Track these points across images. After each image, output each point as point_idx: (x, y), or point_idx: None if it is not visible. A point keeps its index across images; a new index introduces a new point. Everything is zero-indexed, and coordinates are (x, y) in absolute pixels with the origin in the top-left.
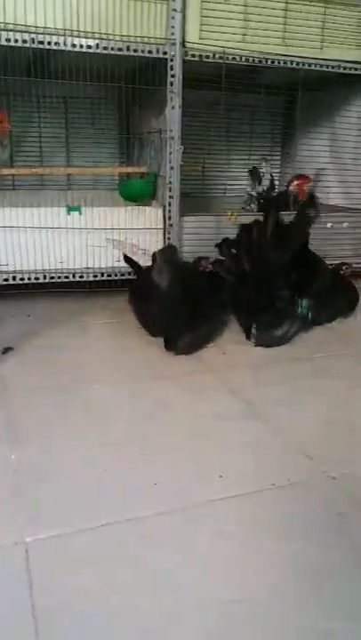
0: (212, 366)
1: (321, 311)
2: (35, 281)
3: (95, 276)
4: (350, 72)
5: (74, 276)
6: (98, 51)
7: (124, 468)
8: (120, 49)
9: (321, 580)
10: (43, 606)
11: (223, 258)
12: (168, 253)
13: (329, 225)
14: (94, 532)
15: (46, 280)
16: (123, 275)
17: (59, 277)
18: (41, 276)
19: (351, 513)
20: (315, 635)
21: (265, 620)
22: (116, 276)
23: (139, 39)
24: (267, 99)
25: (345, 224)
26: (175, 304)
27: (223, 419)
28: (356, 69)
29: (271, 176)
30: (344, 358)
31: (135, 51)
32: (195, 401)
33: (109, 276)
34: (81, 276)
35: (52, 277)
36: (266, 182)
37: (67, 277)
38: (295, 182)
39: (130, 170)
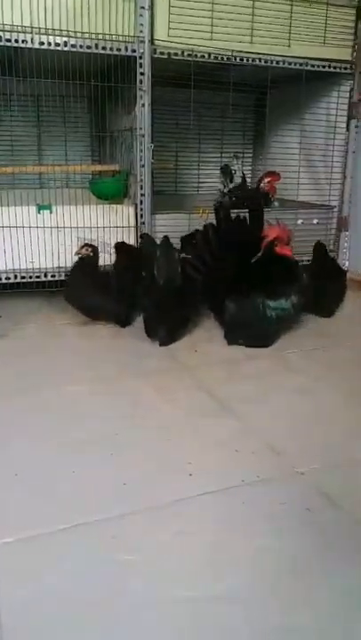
0: (185, 364)
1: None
2: (5, 281)
3: (67, 276)
4: (318, 69)
5: (45, 276)
6: (66, 48)
7: (94, 468)
8: (89, 47)
9: (291, 576)
10: (6, 609)
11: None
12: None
13: (299, 222)
14: (63, 533)
15: (17, 280)
16: None
17: (30, 277)
18: (11, 276)
19: (319, 509)
20: (285, 632)
21: (237, 617)
22: None
23: (107, 37)
24: (237, 96)
25: (315, 221)
26: (170, 300)
27: (194, 416)
28: (323, 67)
29: (242, 173)
30: (316, 353)
31: (104, 48)
32: (166, 399)
33: None
34: (52, 276)
35: (23, 277)
36: (237, 179)
37: (37, 277)
38: (266, 179)
39: (101, 168)
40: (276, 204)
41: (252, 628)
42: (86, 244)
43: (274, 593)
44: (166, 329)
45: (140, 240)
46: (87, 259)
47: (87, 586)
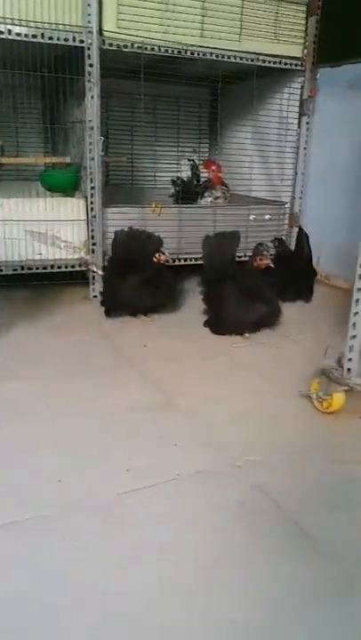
0: (133, 359)
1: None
2: None
3: (15, 270)
4: (269, 65)
5: None
6: (10, 37)
7: (31, 465)
8: (34, 36)
9: (219, 569)
10: None
11: None
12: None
13: (252, 217)
14: None
15: None
16: (45, 268)
17: None
18: None
19: (251, 501)
20: (205, 625)
21: (154, 612)
22: (37, 269)
23: (54, 26)
24: (192, 90)
25: (267, 216)
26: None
27: (138, 411)
28: (274, 63)
29: (194, 163)
30: (264, 347)
31: (50, 38)
32: (111, 395)
33: (30, 269)
34: (0, 270)
35: None
36: (186, 173)
37: None
38: (212, 167)
39: (52, 160)
40: (216, 192)
41: (172, 623)
42: None
43: (201, 586)
44: None
45: None
46: None
47: (7, 584)
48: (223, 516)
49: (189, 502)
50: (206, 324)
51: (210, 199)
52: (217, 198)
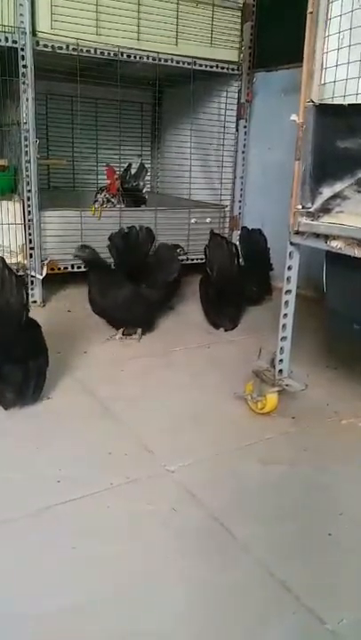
0: (70, 365)
1: None
2: None
3: None
4: (206, 69)
5: None
6: None
7: None
8: None
9: (145, 580)
10: None
11: None
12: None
13: (193, 220)
14: None
15: None
16: None
17: None
18: None
19: (184, 508)
20: (133, 636)
21: (86, 629)
22: None
23: None
24: (133, 93)
25: (208, 220)
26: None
27: (70, 419)
28: (211, 67)
29: (128, 167)
30: (201, 350)
31: None
32: (43, 403)
33: None
34: None
35: None
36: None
37: None
38: (114, 177)
39: None
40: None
41: (100, 636)
42: None
43: (127, 599)
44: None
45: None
46: None
47: None
48: (155, 523)
49: (121, 511)
50: None
51: (100, 199)
52: (108, 201)
